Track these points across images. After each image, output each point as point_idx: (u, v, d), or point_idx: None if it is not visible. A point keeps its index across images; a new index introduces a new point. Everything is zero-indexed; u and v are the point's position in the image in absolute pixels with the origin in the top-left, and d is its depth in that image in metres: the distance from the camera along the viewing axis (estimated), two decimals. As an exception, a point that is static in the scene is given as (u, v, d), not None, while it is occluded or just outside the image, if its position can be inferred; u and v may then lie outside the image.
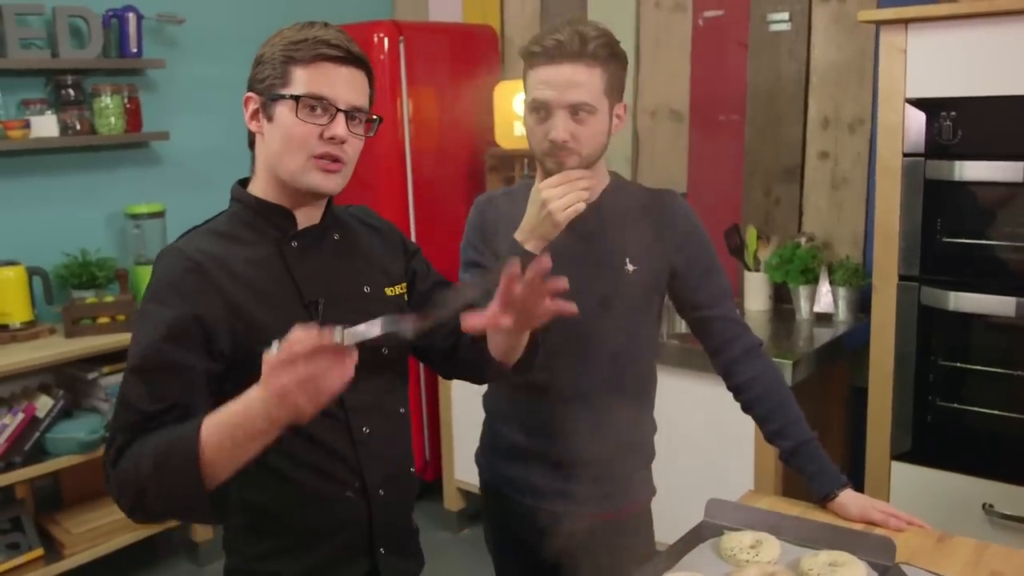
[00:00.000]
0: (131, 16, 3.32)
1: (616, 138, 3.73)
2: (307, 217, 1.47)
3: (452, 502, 3.67)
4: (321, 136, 1.37)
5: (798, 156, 3.28)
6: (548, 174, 1.67)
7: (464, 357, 1.60)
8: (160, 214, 3.39)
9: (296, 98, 1.35)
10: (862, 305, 3.00)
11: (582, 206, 1.61)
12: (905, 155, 2.41)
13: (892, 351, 2.49)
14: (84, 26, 3.24)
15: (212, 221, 1.47)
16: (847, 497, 1.71)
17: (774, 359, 2.67)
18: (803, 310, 3.13)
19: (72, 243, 3.31)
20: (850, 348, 3.03)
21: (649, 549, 1.92)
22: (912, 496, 2.50)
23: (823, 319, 3.10)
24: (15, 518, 3.08)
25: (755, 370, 1.80)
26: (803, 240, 3.17)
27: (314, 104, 1.36)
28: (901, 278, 2.47)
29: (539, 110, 1.64)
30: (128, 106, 3.37)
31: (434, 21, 4.21)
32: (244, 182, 1.50)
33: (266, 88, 1.39)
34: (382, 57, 3.51)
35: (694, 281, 1.79)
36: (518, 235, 1.66)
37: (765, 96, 3.32)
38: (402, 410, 1.58)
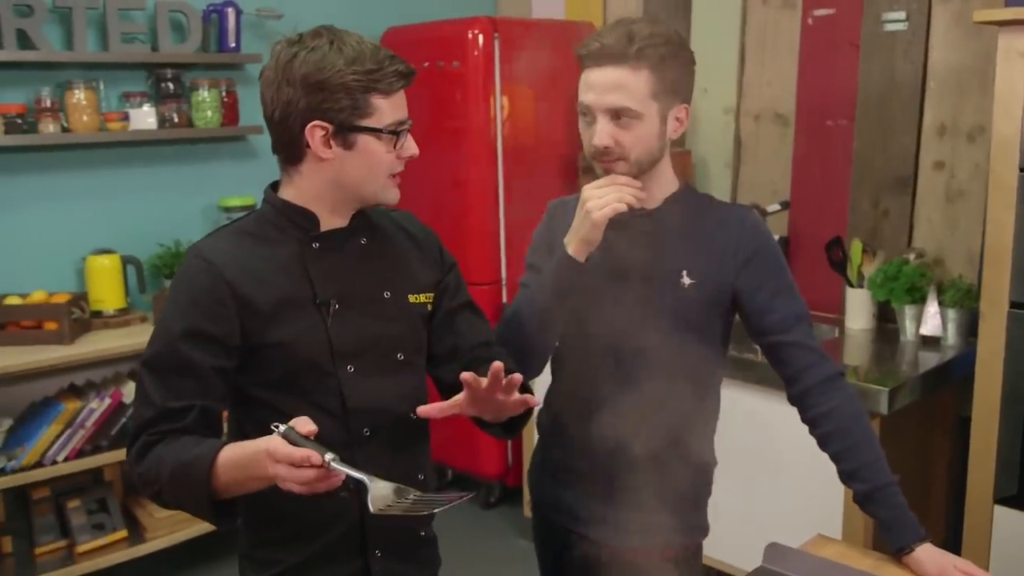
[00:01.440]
0: (230, 11, 3.36)
1: (716, 142, 3.63)
2: (333, 220, 1.48)
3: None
4: (398, 157, 1.45)
5: (911, 166, 3.05)
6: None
7: None
8: (252, 207, 3.42)
9: (395, 133, 1.42)
10: (974, 328, 2.76)
11: (622, 207, 1.54)
12: (1022, 170, 2.19)
13: (1000, 384, 2.28)
14: (184, 21, 3.29)
15: (240, 221, 1.50)
16: (925, 553, 1.56)
17: (871, 384, 2.53)
18: (908, 331, 2.91)
19: (167, 234, 3.38)
20: (959, 375, 2.80)
21: None
22: (1016, 545, 2.28)
23: (930, 342, 2.88)
24: (102, 500, 3.17)
25: (831, 403, 1.63)
26: (912, 256, 2.95)
27: (399, 131, 1.42)
28: (1012, 305, 2.25)
29: (585, 114, 1.60)
30: (225, 100, 3.41)
31: (535, 18, 4.13)
32: (276, 185, 1.51)
33: (346, 118, 1.38)
34: (476, 54, 3.45)
35: (762, 303, 1.64)
36: (565, 239, 1.60)
37: (877, 101, 3.10)
38: (414, 416, 1.52)
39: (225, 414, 1.47)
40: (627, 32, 1.53)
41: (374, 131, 1.40)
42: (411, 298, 1.55)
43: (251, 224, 1.48)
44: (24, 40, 2.96)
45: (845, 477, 1.63)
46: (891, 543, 1.59)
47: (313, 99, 1.36)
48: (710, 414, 1.77)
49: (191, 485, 1.30)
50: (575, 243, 1.58)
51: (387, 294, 1.51)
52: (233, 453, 1.30)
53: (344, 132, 1.39)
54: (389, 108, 1.40)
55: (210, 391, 1.39)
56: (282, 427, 1.24)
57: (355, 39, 1.39)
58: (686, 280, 1.63)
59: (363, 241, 1.51)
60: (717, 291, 1.65)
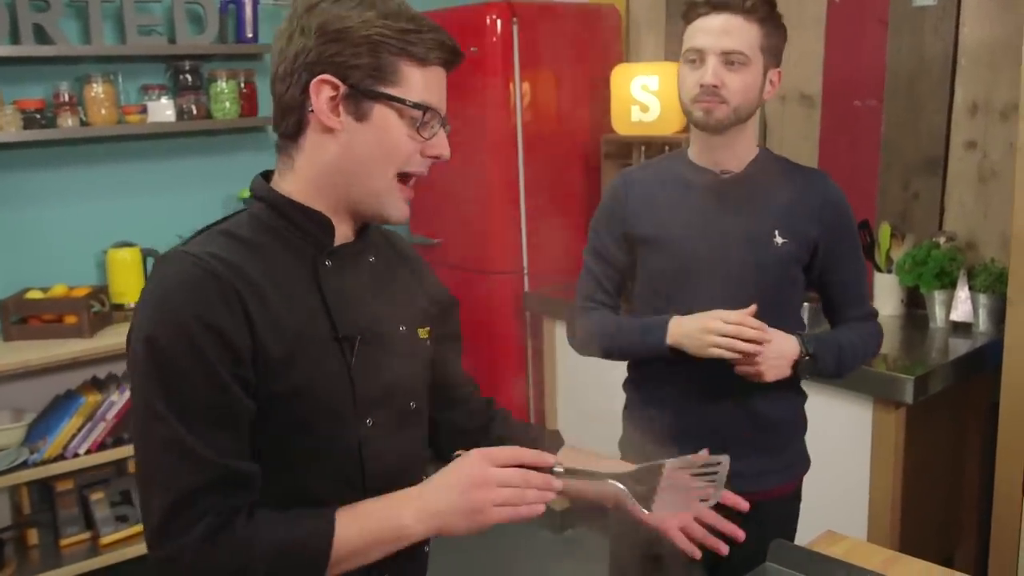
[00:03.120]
0: (247, 1, 3.34)
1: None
2: (342, 231, 1.20)
3: (556, 500, 3.55)
4: (422, 153, 1.17)
5: (941, 146, 2.94)
6: (695, 125, 1.71)
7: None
8: (271, 199, 3.42)
9: (424, 108, 1.13)
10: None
11: (730, 355, 1.62)
12: (1051, 149, 2.10)
13: (1029, 373, 2.19)
14: (201, 12, 3.28)
15: (228, 221, 1.19)
16: (780, 337, 1.67)
17: (897, 372, 2.45)
18: (938, 318, 2.82)
19: (187, 226, 3.31)
20: (992, 362, 2.69)
21: (792, 530, 1.88)
22: (1046, 539, 2.20)
23: (961, 328, 2.78)
24: (125, 491, 3.19)
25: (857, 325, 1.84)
26: (943, 240, 2.85)
27: (429, 118, 1.15)
28: (1042, 290, 2.16)
29: (693, 59, 1.68)
30: (244, 91, 3.40)
31: (556, 1, 4.06)
32: (268, 175, 1.21)
33: (363, 78, 1.11)
34: (494, 39, 3.40)
35: (832, 261, 1.78)
36: (671, 326, 1.69)
37: (906, 79, 3.00)
38: (424, 477, 1.29)
39: None
40: None
41: (397, 101, 1.12)
42: (420, 332, 1.29)
43: (244, 228, 1.16)
44: (41, 35, 2.97)
45: None
46: None
47: (327, 49, 1.10)
48: None
49: (306, 564, 1.05)
50: (677, 341, 1.68)
51: (402, 328, 1.24)
52: (358, 513, 1.08)
53: (358, 96, 1.11)
54: (421, 82, 1.13)
55: (248, 443, 1.09)
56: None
57: (396, 1, 1.14)
58: (779, 239, 1.73)
59: (372, 259, 1.25)
60: (804, 247, 1.76)
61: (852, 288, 1.84)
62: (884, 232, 2.96)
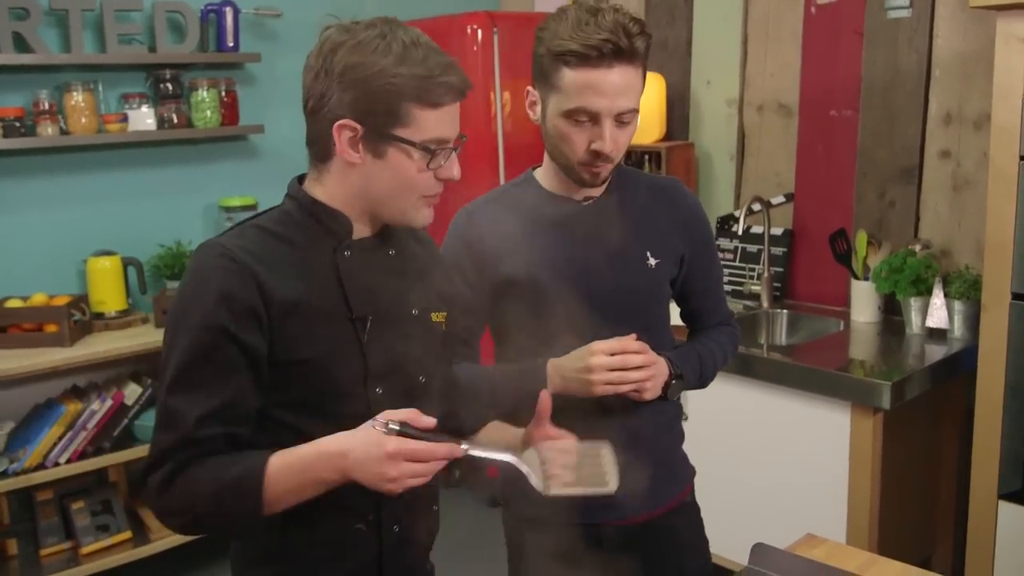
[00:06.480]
0: (228, 10, 3.35)
1: (719, 134, 3.57)
2: (363, 228, 1.36)
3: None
4: (436, 177, 1.30)
5: (916, 155, 2.99)
6: (579, 184, 1.59)
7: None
8: (253, 207, 3.42)
9: (429, 151, 1.26)
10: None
11: (625, 388, 1.52)
12: (1022, 158, 2.14)
13: (1002, 379, 2.23)
14: (182, 21, 3.28)
15: (262, 216, 1.35)
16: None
17: (874, 378, 2.49)
18: (914, 324, 2.86)
19: (167, 235, 3.38)
20: (967, 367, 2.74)
21: (702, 540, 1.81)
22: (1021, 541, 2.23)
23: (937, 335, 2.83)
24: (106, 501, 3.17)
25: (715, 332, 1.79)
26: (918, 247, 2.90)
27: (438, 152, 1.27)
28: (1015, 296, 2.20)
29: (582, 120, 1.50)
30: (225, 99, 3.40)
31: (536, 12, 4.09)
32: (302, 178, 1.37)
33: (378, 123, 1.24)
34: (475, 49, 3.42)
35: (695, 270, 1.71)
36: (550, 369, 1.56)
37: (882, 89, 3.05)
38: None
39: None
40: (619, 25, 1.45)
41: (406, 143, 1.25)
42: (434, 316, 1.44)
43: (274, 223, 1.33)
44: (20, 43, 2.97)
45: None
46: None
47: (347, 95, 1.23)
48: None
49: (240, 501, 1.20)
50: (560, 386, 1.55)
51: (414, 311, 1.40)
52: (288, 459, 1.21)
53: (375, 138, 1.25)
54: (432, 122, 1.25)
55: (240, 410, 1.25)
56: (392, 424, 1.17)
57: (412, 37, 1.25)
58: (651, 260, 1.64)
59: (391, 252, 1.40)
60: (675, 264, 1.69)
61: (713, 294, 1.78)
62: (861, 240, 3.00)
